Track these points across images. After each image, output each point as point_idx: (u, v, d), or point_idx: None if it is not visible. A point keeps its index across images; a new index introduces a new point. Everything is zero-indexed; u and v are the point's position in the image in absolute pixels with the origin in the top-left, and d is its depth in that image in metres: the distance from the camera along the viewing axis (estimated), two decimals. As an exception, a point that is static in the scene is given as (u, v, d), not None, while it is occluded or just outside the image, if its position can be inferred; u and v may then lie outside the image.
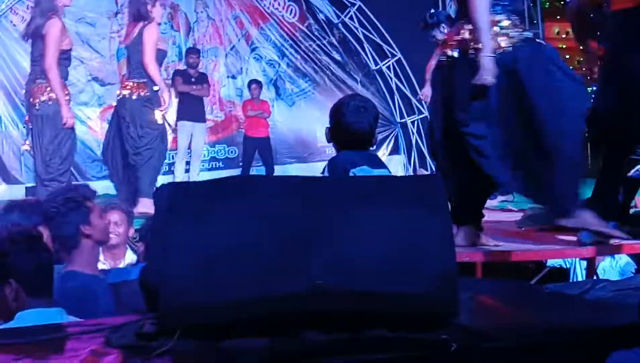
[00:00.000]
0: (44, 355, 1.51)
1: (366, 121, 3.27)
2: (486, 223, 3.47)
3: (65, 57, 5.85)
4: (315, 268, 1.55)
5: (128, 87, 6.15)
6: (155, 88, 6.13)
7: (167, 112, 6.56)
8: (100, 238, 3.17)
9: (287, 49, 10.87)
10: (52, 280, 2.35)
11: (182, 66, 9.73)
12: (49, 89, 5.68)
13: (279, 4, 10.76)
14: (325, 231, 1.59)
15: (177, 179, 8.82)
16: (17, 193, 9.29)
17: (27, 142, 6.06)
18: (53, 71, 5.64)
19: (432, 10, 7.00)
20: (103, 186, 6.86)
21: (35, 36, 5.85)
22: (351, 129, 3.25)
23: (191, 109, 9.19)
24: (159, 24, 6.54)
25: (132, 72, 6.21)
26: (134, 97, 6.11)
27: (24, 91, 6.29)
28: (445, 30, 6.34)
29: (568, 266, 4.33)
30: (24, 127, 6.37)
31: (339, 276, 1.55)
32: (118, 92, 6.40)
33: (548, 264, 4.36)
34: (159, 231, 1.68)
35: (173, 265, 1.56)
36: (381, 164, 3.38)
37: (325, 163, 3.38)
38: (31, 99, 5.82)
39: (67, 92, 5.92)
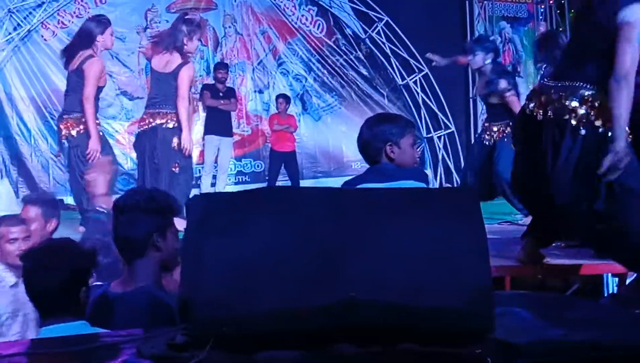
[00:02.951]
0: (75, 366, 1.51)
1: (365, 134, 3.20)
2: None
3: (99, 93, 6.17)
4: (348, 281, 1.53)
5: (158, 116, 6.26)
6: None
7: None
8: (168, 259, 2.70)
9: (314, 63, 10.91)
10: (78, 295, 2.32)
11: (210, 81, 9.79)
12: (84, 120, 5.96)
13: (306, 19, 10.81)
14: (358, 244, 1.57)
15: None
16: (46, 205, 9.40)
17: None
18: (90, 105, 5.92)
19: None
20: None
21: (73, 69, 6.05)
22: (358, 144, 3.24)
23: (218, 123, 9.25)
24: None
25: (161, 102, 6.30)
26: (163, 126, 6.21)
27: (58, 119, 6.59)
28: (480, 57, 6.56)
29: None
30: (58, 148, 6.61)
31: (372, 290, 1.53)
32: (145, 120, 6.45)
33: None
34: (191, 242, 1.67)
35: (205, 276, 1.54)
36: (394, 178, 3.11)
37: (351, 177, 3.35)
38: (65, 131, 6.01)
39: (97, 122, 6.21)
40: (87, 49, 6.09)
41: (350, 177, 3.47)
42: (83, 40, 6.19)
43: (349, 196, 1.73)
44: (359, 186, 3.00)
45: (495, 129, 6.64)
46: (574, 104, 3.20)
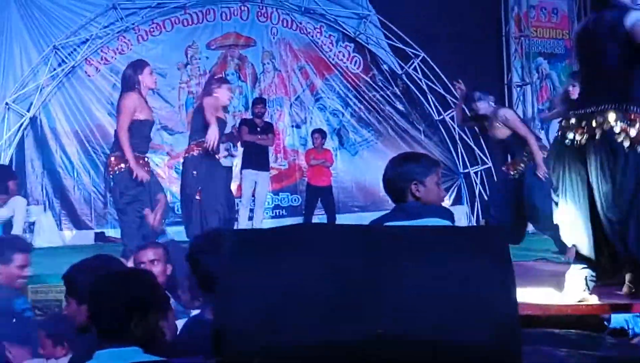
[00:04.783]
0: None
1: (390, 172, 3.22)
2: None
3: (142, 127, 6.41)
4: (376, 318, 1.56)
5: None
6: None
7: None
8: None
9: (350, 99, 10.99)
10: (134, 323, 2.35)
11: (248, 115, 9.92)
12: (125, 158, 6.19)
13: (343, 55, 10.92)
14: (387, 280, 1.60)
15: (241, 227, 8.92)
16: (87, 238, 9.55)
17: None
18: (124, 135, 6.17)
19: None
20: (172, 231, 7.02)
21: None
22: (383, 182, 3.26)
23: (256, 157, 9.34)
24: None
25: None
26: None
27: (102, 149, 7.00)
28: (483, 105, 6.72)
29: (631, 326, 4.19)
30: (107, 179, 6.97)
31: (399, 326, 1.55)
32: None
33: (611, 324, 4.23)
34: (224, 277, 1.72)
35: (237, 309, 1.59)
36: (419, 216, 3.06)
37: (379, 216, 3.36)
38: (111, 167, 6.30)
39: (144, 157, 6.49)
40: (131, 91, 6.34)
41: (386, 211, 3.49)
42: (126, 84, 6.41)
43: (377, 233, 1.76)
44: (385, 224, 3.02)
45: (517, 162, 6.72)
46: (621, 124, 3.31)
